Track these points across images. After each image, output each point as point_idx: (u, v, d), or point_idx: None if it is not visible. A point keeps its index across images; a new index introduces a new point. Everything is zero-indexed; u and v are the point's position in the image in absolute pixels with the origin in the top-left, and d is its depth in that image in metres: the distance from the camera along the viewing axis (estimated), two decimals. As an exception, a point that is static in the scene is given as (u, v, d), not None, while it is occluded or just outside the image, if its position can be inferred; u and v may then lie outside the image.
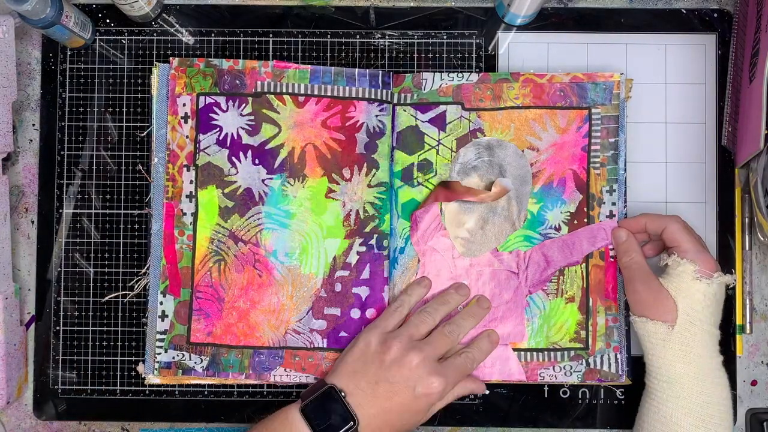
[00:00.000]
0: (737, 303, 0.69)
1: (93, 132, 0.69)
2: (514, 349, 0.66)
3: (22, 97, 0.70)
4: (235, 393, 0.69)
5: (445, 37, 0.70)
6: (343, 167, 0.67)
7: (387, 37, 0.70)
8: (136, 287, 0.69)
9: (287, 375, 0.66)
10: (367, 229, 0.66)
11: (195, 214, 0.67)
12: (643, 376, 0.63)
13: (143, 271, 0.69)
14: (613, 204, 0.67)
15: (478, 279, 0.67)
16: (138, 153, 0.69)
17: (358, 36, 0.70)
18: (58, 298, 0.69)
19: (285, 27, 0.70)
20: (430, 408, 0.61)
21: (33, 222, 0.70)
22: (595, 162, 0.67)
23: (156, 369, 0.66)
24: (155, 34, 0.70)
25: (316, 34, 0.70)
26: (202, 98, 0.67)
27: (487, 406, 0.69)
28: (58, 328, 0.69)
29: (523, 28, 0.70)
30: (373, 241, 0.66)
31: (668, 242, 0.63)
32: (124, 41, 0.70)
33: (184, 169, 0.67)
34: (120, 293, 0.69)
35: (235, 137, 0.67)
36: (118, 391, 0.68)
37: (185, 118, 0.67)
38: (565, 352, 0.66)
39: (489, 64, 0.70)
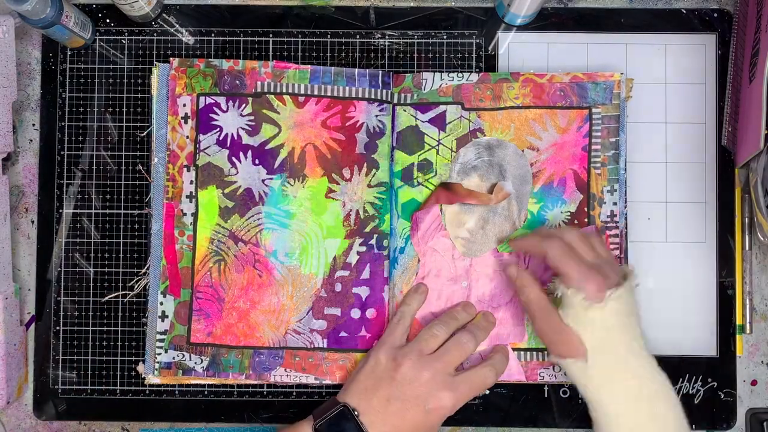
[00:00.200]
0: (737, 303, 0.69)
1: (93, 132, 0.69)
2: (514, 349, 0.66)
3: (22, 97, 0.70)
4: (235, 393, 0.68)
5: (445, 37, 0.70)
6: (343, 167, 0.67)
7: (387, 37, 0.70)
8: (136, 287, 0.69)
9: (287, 375, 0.66)
10: (367, 229, 0.66)
11: (195, 215, 0.67)
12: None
13: (143, 271, 0.69)
14: (614, 204, 0.67)
15: (478, 279, 0.67)
16: (138, 153, 0.69)
17: (358, 36, 0.70)
18: (58, 298, 0.69)
19: (285, 27, 0.70)
20: (442, 420, 0.60)
21: (33, 222, 0.69)
22: (595, 162, 0.67)
23: (156, 369, 0.66)
24: (155, 34, 0.70)
25: (316, 34, 0.70)
26: (202, 98, 0.67)
27: (487, 406, 0.69)
28: (58, 328, 0.69)
29: (523, 28, 0.70)
30: (373, 241, 0.66)
31: (553, 269, 0.58)
32: (124, 41, 0.70)
33: (184, 169, 0.67)
34: (120, 293, 0.69)
35: (235, 137, 0.67)
36: (118, 391, 0.68)
37: (185, 118, 0.67)
38: (565, 352, 0.66)
39: (489, 64, 0.70)
